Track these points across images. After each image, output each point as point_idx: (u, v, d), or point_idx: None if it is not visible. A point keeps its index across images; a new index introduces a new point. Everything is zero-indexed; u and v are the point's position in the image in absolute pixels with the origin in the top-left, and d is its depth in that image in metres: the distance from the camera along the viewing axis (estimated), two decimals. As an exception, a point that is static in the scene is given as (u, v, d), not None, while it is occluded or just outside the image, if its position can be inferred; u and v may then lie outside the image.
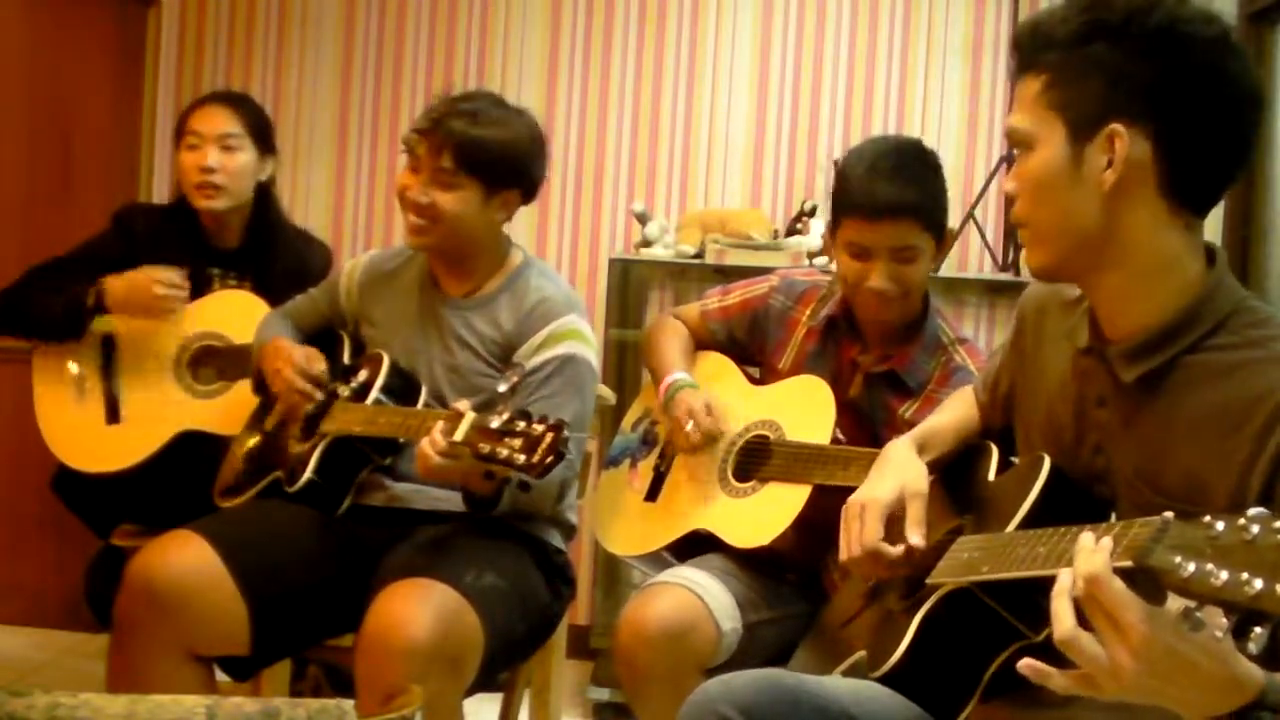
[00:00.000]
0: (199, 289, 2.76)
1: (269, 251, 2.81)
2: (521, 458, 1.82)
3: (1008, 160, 3.31)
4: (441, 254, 2.28)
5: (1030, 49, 1.39)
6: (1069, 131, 1.34)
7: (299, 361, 2.28)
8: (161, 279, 2.62)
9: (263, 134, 2.81)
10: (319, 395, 2.26)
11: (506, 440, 1.84)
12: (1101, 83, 1.32)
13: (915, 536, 1.59)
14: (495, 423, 1.86)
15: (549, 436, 1.81)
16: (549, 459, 1.81)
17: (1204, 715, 1.09)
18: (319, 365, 2.29)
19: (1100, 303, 1.42)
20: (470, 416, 1.90)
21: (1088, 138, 1.33)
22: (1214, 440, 1.31)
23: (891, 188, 2.05)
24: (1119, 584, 1.07)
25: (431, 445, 1.93)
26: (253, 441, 2.44)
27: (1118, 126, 1.31)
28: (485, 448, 1.85)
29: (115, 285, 2.63)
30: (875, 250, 2.08)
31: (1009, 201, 1.46)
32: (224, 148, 2.73)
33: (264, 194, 2.83)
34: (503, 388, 2.06)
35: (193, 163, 2.72)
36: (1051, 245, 1.39)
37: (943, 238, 2.14)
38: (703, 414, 2.21)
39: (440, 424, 1.94)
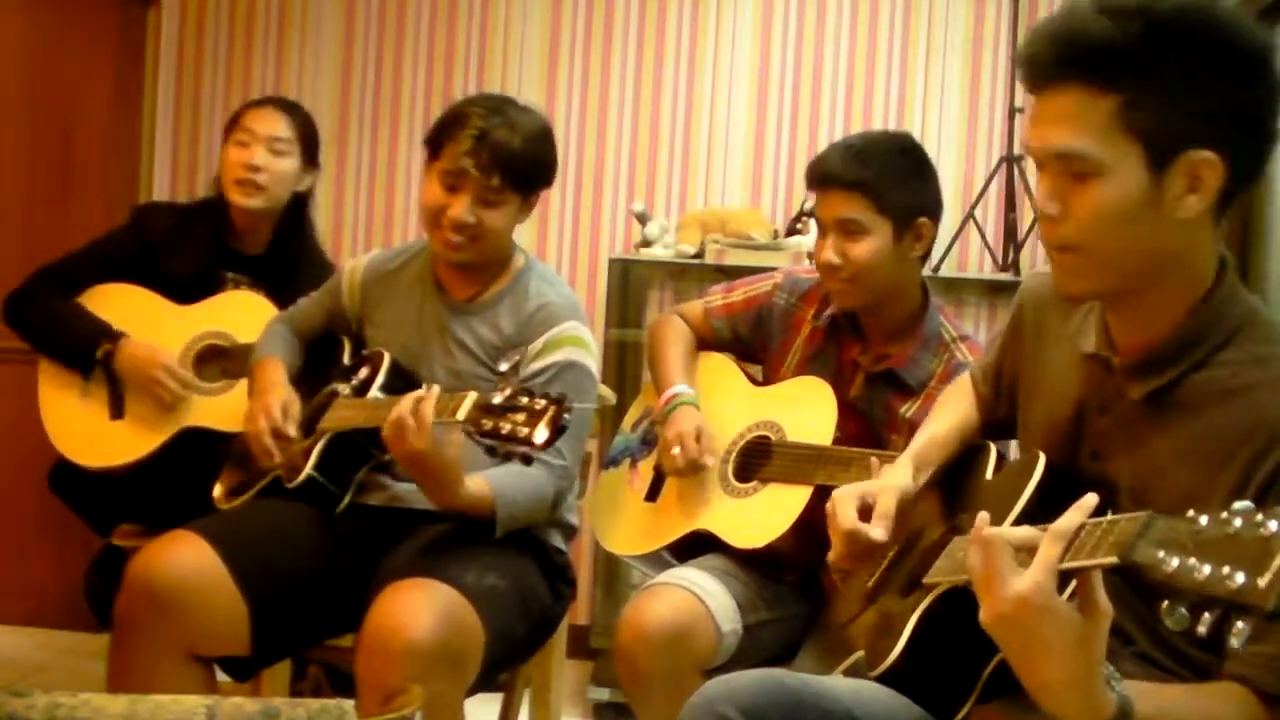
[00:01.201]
0: (210, 292, 2.77)
1: (291, 265, 2.81)
2: (525, 430, 1.82)
3: (1008, 161, 3.31)
4: (465, 263, 2.28)
5: (1087, 62, 1.26)
6: (1148, 158, 1.26)
7: (275, 416, 2.22)
8: (171, 373, 2.62)
9: (310, 145, 2.84)
10: (278, 459, 2.21)
11: (509, 415, 1.84)
12: (1189, 106, 1.26)
13: (877, 529, 1.59)
14: (498, 399, 1.86)
15: (551, 410, 1.82)
16: (553, 429, 1.82)
17: (1047, 695, 1.17)
18: (291, 428, 2.23)
19: (1122, 314, 1.39)
20: (472, 395, 1.91)
21: (1168, 164, 1.27)
22: (1209, 467, 1.30)
23: (840, 161, 2.13)
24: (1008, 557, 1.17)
25: (414, 414, 1.91)
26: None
27: (1209, 154, 1.26)
28: (488, 424, 1.85)
29: (127, 353, 2.64)
30: (825, 223, 2.17)
31: (1044, 218, 1.33)
32: (273, 150, 2.75)
33: (299, 205, 2.84)
34: (504, 367, 2.07)
35: (238, 158, 2.74)
36: (1108, 273, 1.33)
37: (907, 225, 2.14)
38: (692, 440, 2.20)
39: (433, 399, 1.94)
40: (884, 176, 2.12)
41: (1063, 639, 1.14)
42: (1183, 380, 1.35)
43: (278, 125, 2.77)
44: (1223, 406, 1.32)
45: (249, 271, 2.81)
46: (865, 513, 1.62)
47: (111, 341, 2.64)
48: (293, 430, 2.23)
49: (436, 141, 2.21)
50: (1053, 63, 1.29)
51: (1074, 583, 1.16)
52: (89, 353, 2.65)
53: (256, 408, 2.26)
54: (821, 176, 2.16)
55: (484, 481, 2.05)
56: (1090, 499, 1.18)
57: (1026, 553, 1.19)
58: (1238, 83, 1.26)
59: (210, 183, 2.90)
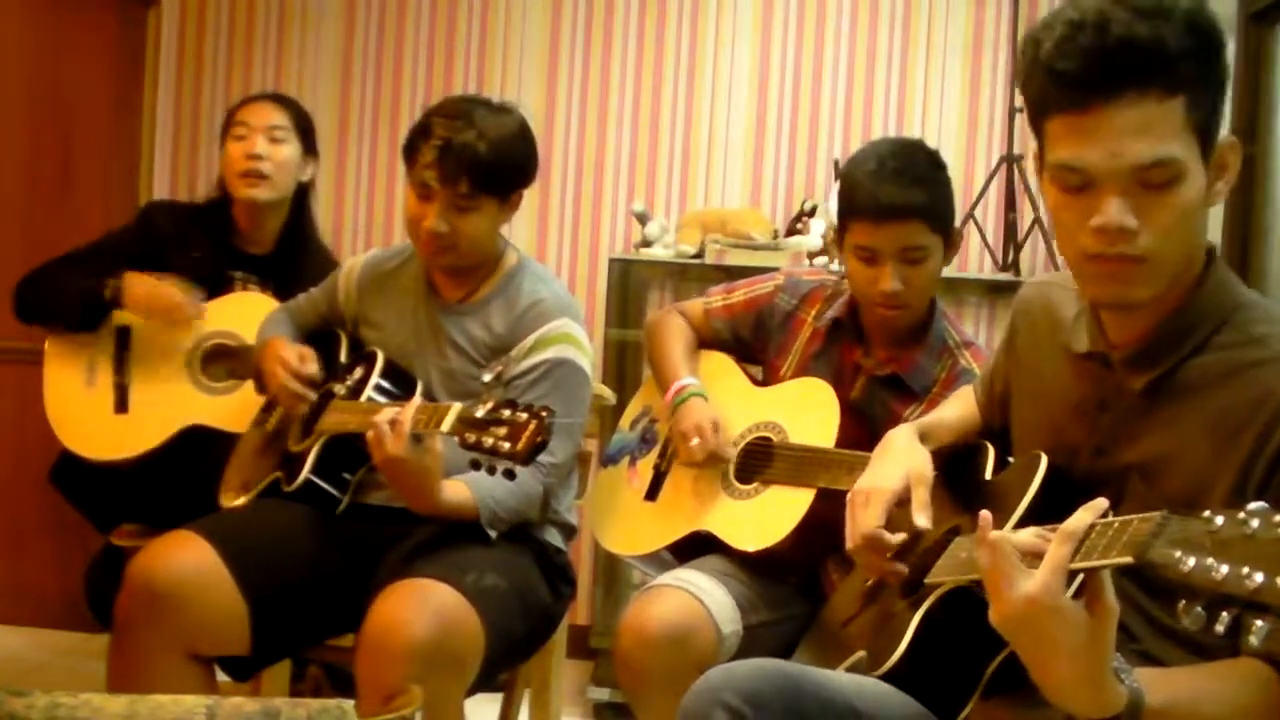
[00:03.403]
0: (219, 291, 2.77)
1: (297, 262, 2.82)
2: (506, 445, 1.83)
3: (1008, 161, 3.31)
4: (453, 267, 2.28)
5: (1153, 68, 1.26)
6: (1202, 151, 1.29)
7: (292, 363, 2.28)
8: (183, 292, 2.64)
9: (307, 133, 2.87)
10: (311, 396, 2.26)
11: (491, 429, 1.86)
12: (1219, 98, 1.30)
13: (922, 519, 1.58)
14: (480, 412, 1.88)
15: (532, 424, 1.83)
16: (534, 444, 1.83)
17: (1059, 693, 1.18)
18: (311, 366, 2.29)
19: (1125, 312, 1.39)
20: (456, 407, 1.92)
21: (1210, 154, 1.30)
22: (1217, 445, 1.31)
23: (897, 189, 2.05)
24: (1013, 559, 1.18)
25: (393, 428, 1.94)
26: (255, 442, 2.44)
27: (1233, 139, 1.31)
28: (471, 437, 1.87)
29: (135, 285, 2.65)
30: (883, 253, 2.08)
31: (1120, 233, 1.29)
32: (271, 139, 2.78)
33: (301, 200, 2.86)
34: (487, 378, 2.08)
35: (240, 151, 2.76)
36: (1171, 274, 1.33)
37: (950, 237, 2.15)
38: (710, 432, 2.20)
39: (412, 409, 1.95)
40: (936, 197, 2.10)
41: (1072, 638, 1.15)
42: (1182, 366, 1.36)
43: (273, 115, 2.81)
44: (1225, 387, 1.32)
45: (256, 271, 2.82)
46: (895, 509, 1.61)
47: (116, 278, 2.65)
48: (314, 368, 2.27)
49: (409, 152, 2.22)
50: (1115, 74, 1.26)
51: (1079, 580, 1.16)
52: (97, 298, 2.65)
53: (273, 365, 2.29)
54: (881, 210, 2.06)
55: (464, 486, 2.06)
56: (1101, 501, 1.18)
57: (1034, 555, 1.19)
58: (1226, 71, 1.32)
59: (213, 184, 2.91)
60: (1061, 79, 1.29)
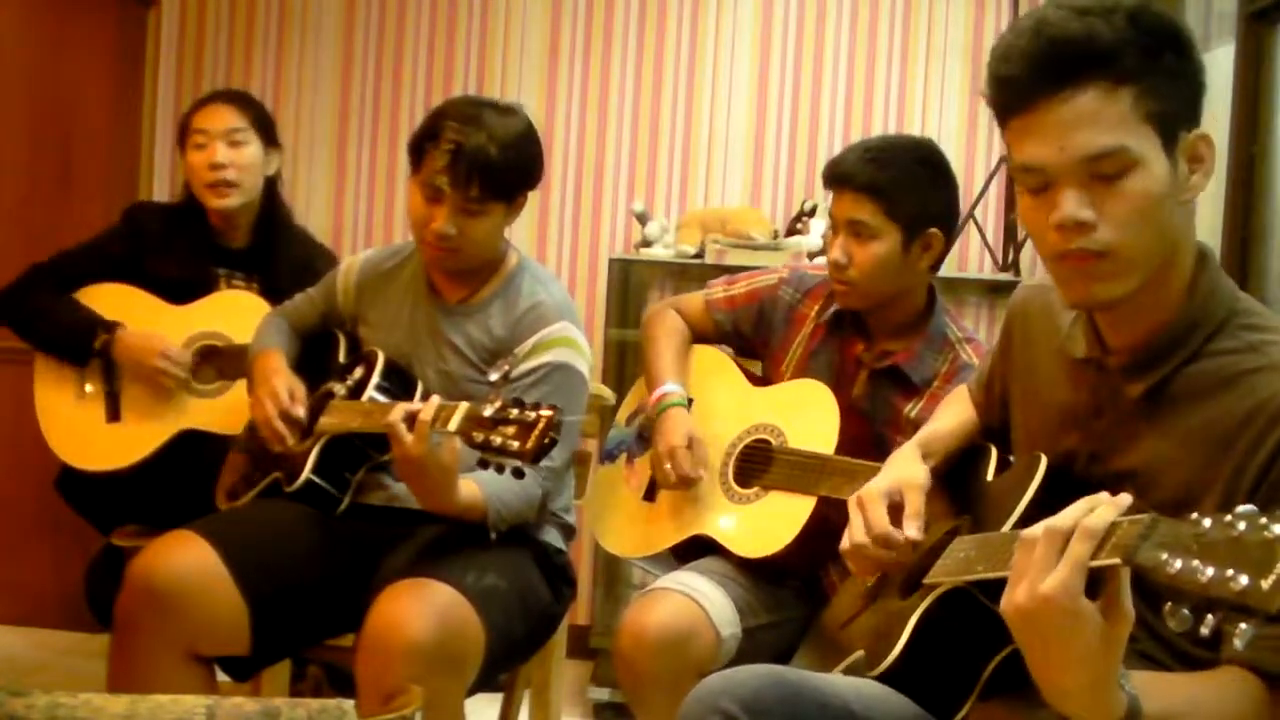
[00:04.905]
0: (205, 288, 2.77)
1: (276, 251, 2.82)
2: (515, 444, 1.82)
3: (1008, 161, 3.30)
4: (456, 269, 2.27)
5: (1098, 60, 1.26)
6: (1163, 143, 1.28)
7: (282, 398, 2.22)
8: (169, 354, 2.63)
9: (266, 128, 2.83)
10: (290, 442, 2.20)
11: (500, 428, 1.85)
12: (1180, 90, 1.29)
13: (911, 529, 1.59)
14: (488, 411, 1.87)
15: (542, 421, 1.82)
16: (543, 443, 1.82)
17: (1061, 696, 1.15)
18: (299, 409, 2.22)
19: (1117, 314, 1.39)
20: (463, 406, 1.91)
21: (1174, 147, 1.29)
22: (1208, 455, 1.31)
23: (858, 163, 2.13)
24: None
25: (414, 428, 1.92)
26: (251, 442, 2.44)
27: (1204, 132, 1.30)
28: (479, 436, 1.86)
29: (125, 340, 2.64)
30: (837, 221, 2.17)
31: (1077, 227, 1.29)
32: (231, 143, 2.74)
33: (271, 191, 2.84)
34: (494, 376, 2.07)
35: (202, 161, 2.73)
36: (1140, 270, 1.32)
37: (917, 234, 2.13)
38: (683, 454, 2.18)
39: (432, 409, 1.95)
40: (898, 183, 2.11)
41: (1085, 642, 1.11)
42: (1178, 373, 1.35)
43: (229, 118, 2.77)
44: (1219, 396, 1.32)
45: (239, 265, 2.81)
46: (893, 511, 1.62)
47: (109, 331, 2.64)
48: (301, 411, 2.23)
49: (416, 153, 2.20)
50: (1052, 71, 1.28)
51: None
52: (86, 343, 2.65)
53: (262, 394, 2.25)
54: (837, 176, 2.15)
55: (475, 485, 2.06)
56: (1124, 498, 1.14)
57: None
58: (1197, 66, 1.31)
59: (180, 188, 2.90)
60: (1008, 84, 1.32)
